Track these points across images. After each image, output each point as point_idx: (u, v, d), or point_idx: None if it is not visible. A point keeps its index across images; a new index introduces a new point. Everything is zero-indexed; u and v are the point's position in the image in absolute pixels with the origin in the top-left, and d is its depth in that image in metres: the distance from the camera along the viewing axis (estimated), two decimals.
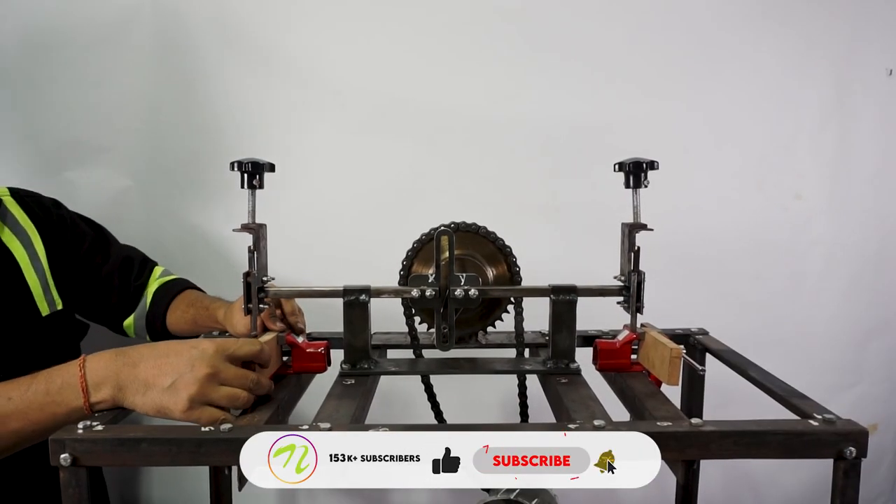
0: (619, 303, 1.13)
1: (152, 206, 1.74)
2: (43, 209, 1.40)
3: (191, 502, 1.83)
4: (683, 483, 1.27)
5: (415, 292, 1.06)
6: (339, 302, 1.09)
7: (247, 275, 1.07)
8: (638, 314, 1.10)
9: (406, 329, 1.18)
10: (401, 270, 1.16)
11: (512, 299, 1.16)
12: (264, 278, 1.10)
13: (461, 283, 1.06)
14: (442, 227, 1.09)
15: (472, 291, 1.06)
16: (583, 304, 1.09)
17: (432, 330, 1.18)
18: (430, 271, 1.09)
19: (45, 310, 1.33)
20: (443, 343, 1.08)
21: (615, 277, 1.13)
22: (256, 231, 1.07)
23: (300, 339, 1.14)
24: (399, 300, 1.14)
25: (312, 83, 1.69)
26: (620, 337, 1.14)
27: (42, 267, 1.34)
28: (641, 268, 1.08)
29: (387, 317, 1.22)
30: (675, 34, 1.70)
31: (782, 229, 1.76)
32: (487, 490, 1.21)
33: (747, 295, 1.77)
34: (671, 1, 1.70)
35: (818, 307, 1.78)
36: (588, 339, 1.18)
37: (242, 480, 0.91)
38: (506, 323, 1.19)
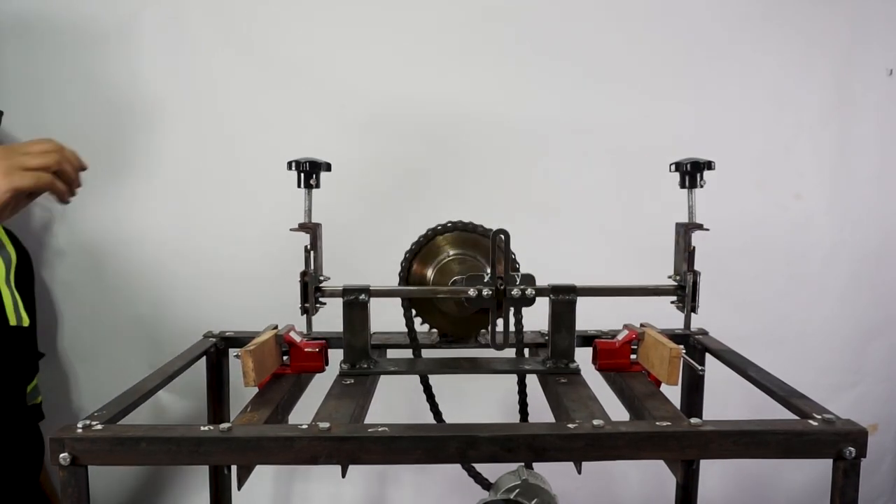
0: (672, 302, 1.12)
1: (154, 205, 1.73)
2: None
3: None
4: (683, 483, 1.27)
5: (472, 291, 1.04)
6: (338, 302, 1.09)
7: (304, 274, 1.06)
8: (692, 314, 1.09)
9: (405, 329, 1.18)
10: (400, 272, 1.16)
11: None
12: (321, 277, 1.09)
13: (517, 282, 1.04)
14: (497, 228, 1.04)
15: (529, 291, 1.04)
16: (582, 304, 1.09)
17: (433, 330, 1.18)
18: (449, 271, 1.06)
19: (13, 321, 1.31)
20: (496, 343, 1.06)
21: (669, 277, 1.12)
22: (314, 230, 1.07)
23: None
24: (397, 300, 1.14)
25: (312, 83, 1.69)
26: (620, 337, 1.14)
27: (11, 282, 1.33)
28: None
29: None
30: (675, 35, 1.70)
31: (782, 229, 1.76)
32: (488, 489, 1.21)
33: (747, 295, 1.76)
34: (671, 1, 1.70)
35: (818, 307, 1.78)
36: (587, 339, 1.18)
37: (241, 479, 0.91)
38: None
